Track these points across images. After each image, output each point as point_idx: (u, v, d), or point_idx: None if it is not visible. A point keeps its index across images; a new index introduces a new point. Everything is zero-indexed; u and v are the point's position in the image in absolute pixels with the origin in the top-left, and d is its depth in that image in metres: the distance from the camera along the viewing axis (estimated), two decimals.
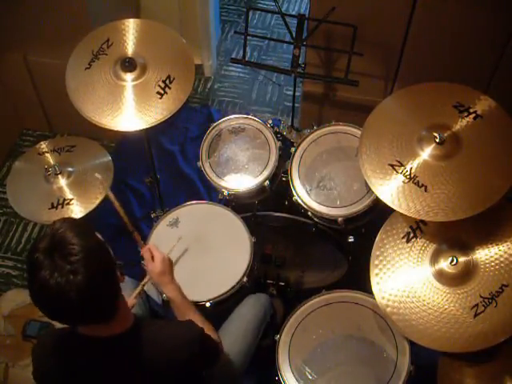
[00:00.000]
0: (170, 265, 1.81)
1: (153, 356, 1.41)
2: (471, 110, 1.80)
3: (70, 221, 1.28)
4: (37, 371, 1.47)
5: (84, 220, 1.81)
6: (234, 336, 1.89)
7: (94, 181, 2.17)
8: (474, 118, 1.79)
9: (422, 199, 1.71)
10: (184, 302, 1.75)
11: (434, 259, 1.77)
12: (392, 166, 1.79)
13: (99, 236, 1.33)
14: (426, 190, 1.72)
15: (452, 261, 1.72)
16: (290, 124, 2.52)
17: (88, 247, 1.24)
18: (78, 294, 1.20)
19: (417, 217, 1.72)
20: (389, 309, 1.77)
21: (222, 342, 1.73)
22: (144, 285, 1.85)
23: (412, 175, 1.75)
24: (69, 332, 1.42)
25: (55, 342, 1.45)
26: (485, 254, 1.73)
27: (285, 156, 2.20)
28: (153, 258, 1.79)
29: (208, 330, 1.64)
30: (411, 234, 1.83)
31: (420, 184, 1.74)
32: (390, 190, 1.76)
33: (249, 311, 2.00)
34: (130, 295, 1.89)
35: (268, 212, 2.18)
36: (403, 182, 1.75)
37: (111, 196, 2.12)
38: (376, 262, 1.83)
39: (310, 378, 1.78)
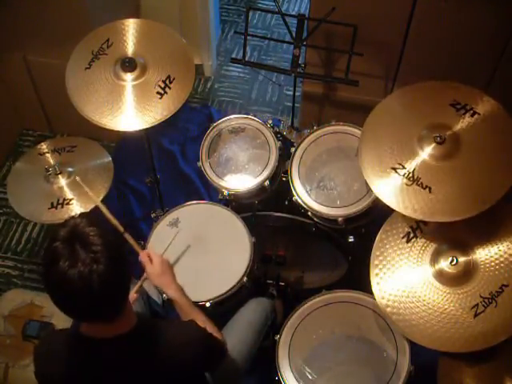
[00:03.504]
0: (168, 266, 1.83)
1: (156, 356, 1.41)
2: (471, 110, 1.80)
3: (88, 217, 1.29)
4: (39, 373, 1.47)
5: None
6: (235, 339, 1.89)
7: (94, 181, 2.17)
8: (474, 118, 1.79)
9: (422, 199, 1.71)
10: (187, 302, 1.77)
11: (434, 259, 1.77)
12: (392, 166, 1.79)
13: None
14: (426, 190, 1.72)
15: (452, 261, 1.72)
16: (290, 124, 2.52)
17: (108, 239, 1.27)
18: (100, 283, 1.22)
19: (417, 217, 1.72)
20: (389, 309, 1.77)
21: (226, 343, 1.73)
22: (144, 279, 1.85)
23: (412, 175, 1.75)
24: (71, 333, 1.42)
25: (58, 343, 1.45)
26: (485, 254, 1.73)
27: (285, 156, 2.20)
28: (151, 260, 1.80)
29: (211, 329, 1.65)
30: (411, 234, 1.83)
31: (420, 184, 1.73)
32: (389, 190, 1.76)
33: (250, 315, 2.00)
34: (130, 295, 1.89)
35: (268, 212, 2.18)
36: (403, 182, 1.75)
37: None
38: (376, 262, 1.83)
39: (310, 378, 1.78)
